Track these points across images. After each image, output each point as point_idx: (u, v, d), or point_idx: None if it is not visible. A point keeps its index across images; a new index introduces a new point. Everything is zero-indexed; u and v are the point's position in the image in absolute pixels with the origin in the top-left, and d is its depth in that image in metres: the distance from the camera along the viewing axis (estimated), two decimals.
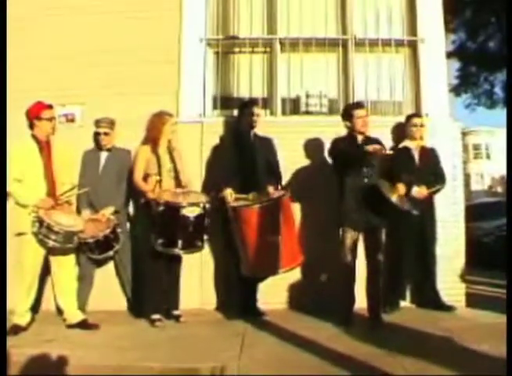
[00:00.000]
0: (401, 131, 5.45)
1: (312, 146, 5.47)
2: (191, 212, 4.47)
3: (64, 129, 5.30)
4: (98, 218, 4.86)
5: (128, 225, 5.19)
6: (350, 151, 4.62)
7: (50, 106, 4.60)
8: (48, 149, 4.53)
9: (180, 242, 4.48)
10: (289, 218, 4.67)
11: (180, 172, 4.82)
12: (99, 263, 5.13)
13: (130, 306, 5.14)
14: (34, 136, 4.51)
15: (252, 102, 5.36)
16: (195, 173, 5.28)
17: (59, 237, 4.27)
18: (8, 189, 4.43)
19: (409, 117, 5.38)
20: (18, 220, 4.37)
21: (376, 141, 4.84)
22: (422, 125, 5.29)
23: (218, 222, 4.82)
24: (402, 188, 4.88)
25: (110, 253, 4.86)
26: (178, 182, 4.79)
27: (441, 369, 3.32)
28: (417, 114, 5.47)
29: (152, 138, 4.81)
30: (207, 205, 4.59)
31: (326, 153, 5.22)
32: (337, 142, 4.78)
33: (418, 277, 5.32)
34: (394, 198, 4.63)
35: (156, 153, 4.75)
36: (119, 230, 4.86)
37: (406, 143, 5.29)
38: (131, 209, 5.24)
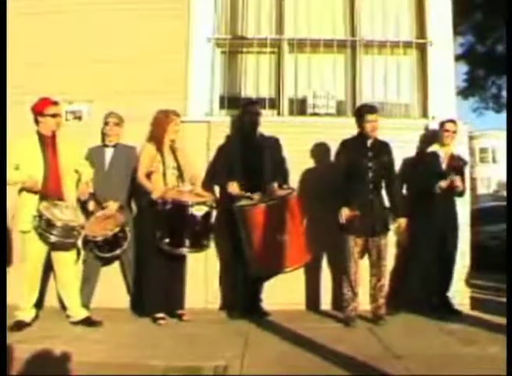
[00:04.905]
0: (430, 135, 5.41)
1: (319, 147, 5.46)
2: (198, 211, 4.45)
3: (71, 126, 5.32)
4: (106, 214, 4.87)
5: (132, 222, 5.16)
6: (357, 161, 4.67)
7: (55, 103, 4.57)
8: (53, 144, 4.52)
9: (187, 241, 4.48)
10: (296, 217, 4.65)
11: (184, 171, 4.83)
12: (105, 261, 5.13)
13: (134, 304, 5.14)
14: (38, 132, 4.51)
15: (253, 101, 5.37)
16: (201, 172, 5.29)
17: (58, 232, 4.25)
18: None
19: (443, 123, 5.22)
20: (22, 216, 4.35)
21: (386, 145, 4.83)
22: (455, 132, 5.16)
23: (224, 221, 4.82)
24: (403, 223, 4.81)
25: (118, 252, 4.89)
26: (182, 181, 4.79)
27: (446, 371, 3.32)
28: (452, 120, 5.28)
29: (156, 136, 4.81)
30: (214, 204, 4.60)
31: (332, 155, 5.22)
32: (345, 146, 4.77)
33: (430, 281, 5.24)
34: (391, 227, 4.86)
35: (161, 152, 4.76)
36: (127, 229, 4.88)
37: (434, 148, 5.21)
38: (134, 207, 5.23)
